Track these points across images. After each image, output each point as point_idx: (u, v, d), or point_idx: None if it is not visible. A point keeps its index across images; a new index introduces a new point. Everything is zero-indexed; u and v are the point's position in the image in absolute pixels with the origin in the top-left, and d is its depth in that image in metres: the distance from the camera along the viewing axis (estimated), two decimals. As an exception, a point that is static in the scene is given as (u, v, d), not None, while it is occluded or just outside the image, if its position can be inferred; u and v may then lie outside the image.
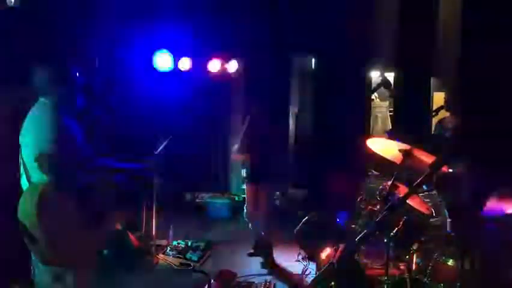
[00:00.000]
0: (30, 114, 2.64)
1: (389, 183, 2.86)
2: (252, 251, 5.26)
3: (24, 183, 2.60)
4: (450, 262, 3.08)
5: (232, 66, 7.16)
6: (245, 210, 5.27)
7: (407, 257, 3.35)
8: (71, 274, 2.53)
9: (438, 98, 6.36)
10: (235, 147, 5.33)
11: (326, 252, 3.86)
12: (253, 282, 4.38)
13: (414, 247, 3.32)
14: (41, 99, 2.66)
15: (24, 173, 2.59)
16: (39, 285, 2.55)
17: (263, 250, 5.15)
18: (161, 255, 5.18)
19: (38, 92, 2.68)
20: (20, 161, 2.61)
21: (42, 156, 2.46)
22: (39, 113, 2.62)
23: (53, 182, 2.46)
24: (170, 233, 5.52)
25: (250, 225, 5.27)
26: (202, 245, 5.45)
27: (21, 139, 2.60)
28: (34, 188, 2.48)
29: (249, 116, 5.18)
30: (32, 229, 2.38)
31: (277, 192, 6.47)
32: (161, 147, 3.37)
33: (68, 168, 2.52)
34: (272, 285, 4.13)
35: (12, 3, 4.34)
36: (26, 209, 2.42)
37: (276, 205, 5.52)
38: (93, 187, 2.67)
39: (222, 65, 7.11)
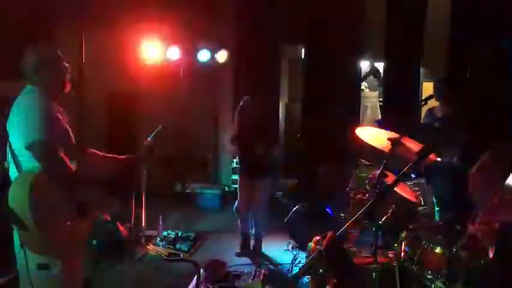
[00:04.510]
0: (17, 101, 2.59)
1: (378, 172, 2.87)
2: (238, 251, 5.17)
3: (13, 171, 2.56)
4: (438, 249, 3.10)
5: (222, 55, 7.11)
6: (236, 204, 5.18)
7: (396, 245, 3.37)
8: (59, 262, 2.51)
9: (428, 87, 6.39)
10: (230, 136, 5.21)
11: (315, 241, 3.87)
12: (243, 271, 4.39)
13: (403, 235, 3.34)
14: (29, 87, 2.62)
15: (13, 161, 2.55)
16: (23, 274, 2.52)
17: (250, 249, 5.14)
18: (151, 246, 5.17)
19: (25, 79, 2.63)
20: (8, 149, 2.56)
21: (35, 144, 2.43)
22: (27, 100, 2.57)
23: (45, 169, 2.44)
24: (160, 223, 5.50)
25: (239, 220, 5.19)
26: (192, 235, 5.45)
27: (9, 127, 2.56)
28: (25, 176, 2.45)
29: (244, 99, 5.05)
30: (23, 217, 2.36)
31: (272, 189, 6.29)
32: (150, 137, 3.34)
33: (59, 156, 2.50)
34: (262, 274, 4.13)
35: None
36: (17, 197, 2.40)
37: (269, 201, 5.40)
38: (83, 175, 2.65)
39: (212, 54, 7.06)
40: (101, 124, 7.06)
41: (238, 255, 5.10)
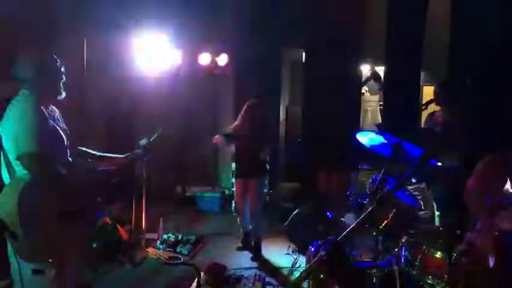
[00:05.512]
0: (11, 107, 2.55)
1: (379, 176, 2.88)
2: (240, 245, 5.28)
3: (5, 176, 2.53)
4: (438, 254, 3.10)
5: (223, 59, 7.13)
6: (233, 205, 5.28)
7: (396, 249, 3.37)
8: (52, 268, 2.49)
9: (428, 91, 6.40)
10: (226, 130, 5.22)
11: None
12: (243, 275, 4.39)
13: (403, 240, 3.34)
14: (23, 91, 2.58)
15: (5, 165, 2.52)
16: (18, 280, 2.48)
17: (251, 244, 5.16)
18: (151, 249, 5.17)
19: (20, 83, 2.60)
20: (1, 152, 2.53)
21: (24, 156, 2.40)
22: (21, 106, 2.52)
23: (35, 178, 2.41)
24: (161, 226, 5.50)
25: (238, 219, 5.27)
26: (192, 238, 5.45)
27: (2, 132, 2.53)
28: (15, 184, 2.41)
29: (249, 103, 5.10)
30: (13, 226, 2.31)
31: (266, 188, 6.35)
32: (151, 139, 3.33)
33: (50, 164, 2.47)
34: (262, 279, 4.13)
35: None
36: (6, 206, 2.35)
37: (265, 200, 5.44)
38: (76, 180, 2.62)
39: (213, 58, 7.07)
40: (101, 124, 7.05)
41: (239, 248, 5.23)
